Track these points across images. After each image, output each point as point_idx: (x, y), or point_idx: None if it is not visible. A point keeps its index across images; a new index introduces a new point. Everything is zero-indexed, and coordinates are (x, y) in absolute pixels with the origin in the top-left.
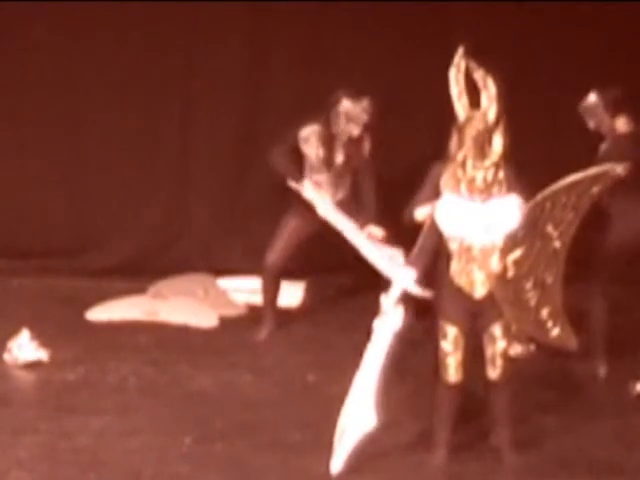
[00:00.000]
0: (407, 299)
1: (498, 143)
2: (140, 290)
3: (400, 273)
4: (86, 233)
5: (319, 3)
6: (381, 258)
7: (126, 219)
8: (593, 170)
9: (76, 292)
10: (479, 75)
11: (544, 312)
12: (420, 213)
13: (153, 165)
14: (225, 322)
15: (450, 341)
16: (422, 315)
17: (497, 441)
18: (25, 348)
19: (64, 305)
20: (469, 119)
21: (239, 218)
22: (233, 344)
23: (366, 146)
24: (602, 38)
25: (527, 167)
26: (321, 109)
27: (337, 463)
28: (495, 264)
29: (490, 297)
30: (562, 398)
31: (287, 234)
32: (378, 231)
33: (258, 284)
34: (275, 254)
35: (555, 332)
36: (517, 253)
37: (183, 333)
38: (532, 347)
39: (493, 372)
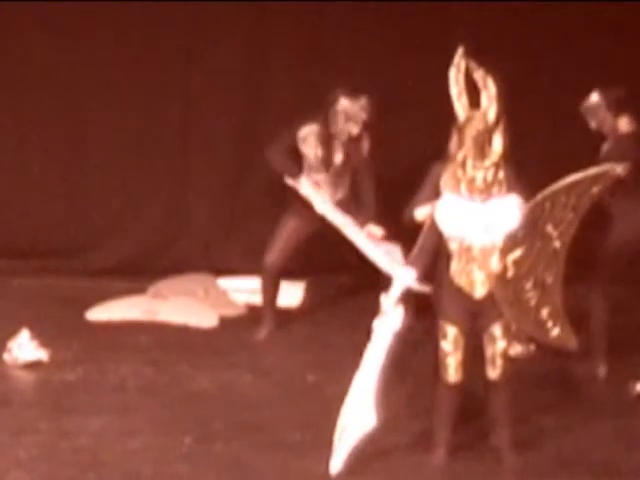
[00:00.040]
0: (407, 299)
1: (498, 143)
2: (140, 290)
3: (400, 273)
4: (86, 233)
5: (318, 3)
6: (381, 256)
7: (126, 219)
8: (593, 170)
9: (76, 292)
10: (479, 75)
11: (544, 312)
12: (420, 213)
13: (153, 165)
14: (225, 322)
15: (450, 341)
16: (422, 315)
17: (497, 441)
18: (25, 348)
19: (64, 305)
20: (469, 119)
21: (239, 218)
22: (233, 344)
23: (365, 146)
24: (603, 37)
25: (527, 167)
26: (321, 108)
27: (337, 463)
28: (495, 264)
29: (490, 297)
30: (562, 398)
31: (286, 234)
32: (377, 230)
33: (258, 284)
34: (274, 254)
35: (555, 332)
36: (517, 253)
37: (183, 333)
38: (532, 347)
39: (493, 372)
